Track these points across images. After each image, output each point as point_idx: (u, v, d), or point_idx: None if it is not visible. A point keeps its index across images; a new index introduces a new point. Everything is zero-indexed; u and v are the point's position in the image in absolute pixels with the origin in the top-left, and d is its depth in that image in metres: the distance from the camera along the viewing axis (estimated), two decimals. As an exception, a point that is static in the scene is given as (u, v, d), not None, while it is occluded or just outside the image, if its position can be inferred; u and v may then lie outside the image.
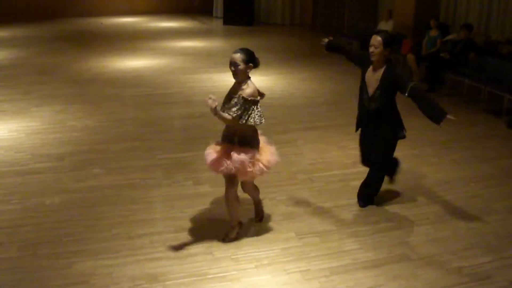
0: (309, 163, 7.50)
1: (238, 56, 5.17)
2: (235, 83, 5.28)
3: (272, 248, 5.43)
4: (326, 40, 6.42)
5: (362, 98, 6.00)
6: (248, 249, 5.40)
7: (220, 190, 6.38)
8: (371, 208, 6.28)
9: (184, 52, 15.22)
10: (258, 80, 12.15)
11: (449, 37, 12.32)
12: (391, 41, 5.74)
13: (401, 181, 6.97)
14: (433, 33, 12.30)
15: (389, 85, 5.73)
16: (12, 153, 7.70)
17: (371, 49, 5.70)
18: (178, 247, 5.38)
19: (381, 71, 5.76)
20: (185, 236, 5.60)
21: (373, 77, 5.82)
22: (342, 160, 7.70)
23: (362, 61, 6.02)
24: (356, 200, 6.42)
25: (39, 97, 10.47)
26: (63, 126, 8.91)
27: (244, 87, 5.18)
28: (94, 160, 7.51)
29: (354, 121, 9.26)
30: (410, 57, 12.44)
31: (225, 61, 13.85)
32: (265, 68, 12.91)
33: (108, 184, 6.79)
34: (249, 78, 5.26)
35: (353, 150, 8.01)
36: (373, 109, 5.88)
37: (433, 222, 6.02)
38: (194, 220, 5.92)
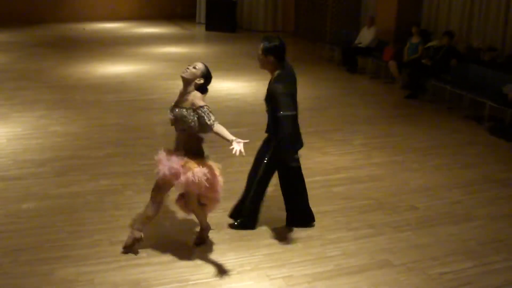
0: (292, 169, 7.50)
1: (201, 65, 5.18)
2: (181, 92, 5.23)
3: (254, 254, 5.43)
4: None
5: None
6: (231, 255, 5.39)
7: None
8: (352, 214, 6.30)
9: (167, 58, 15.19)
10: (240, 86, 12.25)
11: (431, 43, 12.42)
12: (272, 49, 5.38)
13: (382, 187, 7.02)
14: (415, 40, 12.40)
15: (270, 97, 5.48)
16: (-7, 159, 7.65)
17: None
18: (160, 253, 5.36)
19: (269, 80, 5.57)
20: (167, 242, 5.59)
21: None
22: (325, 166, 7.72)
23: None
24: (338, 206, 6.47)
25: (21, 103, 10.39)
26: (45, 131, 8.85)
27: (191, 97, 5.10)
28: (77, 166, 7.47)
29: (337, 127, 9.31)
30: (392, 64, 12.53)
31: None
32: (247, 74, 12.98)
33: (91, 190, 6.76)
34: (192, 92, 5.14)
35: (335, 156, 8.07)
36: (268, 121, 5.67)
37: (415, 228, 6.05)
38: (176, 226, 5.91)
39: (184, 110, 5.09)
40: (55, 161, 7.63)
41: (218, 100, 10.39)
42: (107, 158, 7.75)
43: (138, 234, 5.33)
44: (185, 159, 5.10)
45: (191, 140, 5.17)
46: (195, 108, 5.01)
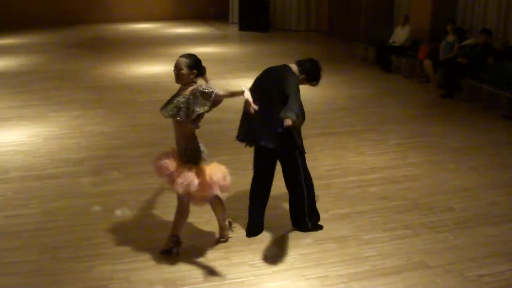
0: (326, 169, 7.48)
1: (183, 61, 5.17)
2: (180, 87, 5.26)
3: (290, 253, 5.41)
4: None
5: None
6: (266, 254, 5.39)
7: (236, 195, 6.39)
8: (388, 215, 6.24)
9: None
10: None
11: (467, 42, 12.25)
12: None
13: (418, 188, 6.95)
14: (450, 38, 12.24)
15: None
16: (31, 158, 7.76)
17: None
18: (195, 252, 5.38)
19: None
20: (202, 241, 5.61)
21: None
22: (359, 166, 7.67)
23: None
24: (374, 206, 6.42)
25: (57, 103, 10.56)
26: (81, 131, 8.97)
27: (189, 89, 5.12)
28: (112, 165, 7.55)
29: (372, 127, 9.23)
30: (427, 63, 12.40)
31: (241, 66, 13.90)
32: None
33: (126, 189, 6.82)
34: (195, 83, 5.20)
35: (370, 156, 8.01)
36: None
37: (452, 229, 5.97)
38: (211, 225, 5.90)
39: (182, 96, 5.15)
40: (91, 160, 7.72)
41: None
42: (142, 157, 7.79)
43: (166, 246, 5.33)
44: (179, 162, 5.28)
45: (187, 133, 5.26)
46: (192, 90, 5.07)
